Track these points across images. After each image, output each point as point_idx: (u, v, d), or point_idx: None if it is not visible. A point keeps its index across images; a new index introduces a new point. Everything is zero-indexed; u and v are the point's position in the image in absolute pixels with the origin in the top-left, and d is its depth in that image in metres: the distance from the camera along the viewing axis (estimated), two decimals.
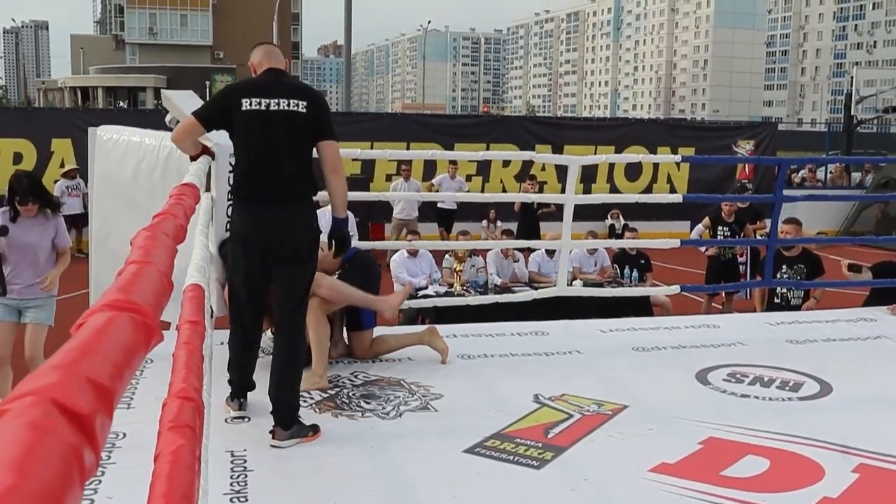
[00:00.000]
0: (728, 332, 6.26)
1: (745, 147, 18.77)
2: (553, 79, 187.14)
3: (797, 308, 7.50)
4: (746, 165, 18.86)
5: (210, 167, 4.70)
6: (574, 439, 4.06)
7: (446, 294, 8.21)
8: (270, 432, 3.94)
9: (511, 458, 3.81)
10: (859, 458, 3.87)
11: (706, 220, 10.16)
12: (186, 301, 2.14)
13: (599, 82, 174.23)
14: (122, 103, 59.77)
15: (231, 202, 4.99)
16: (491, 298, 6.81)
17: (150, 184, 5.32)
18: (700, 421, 4.34)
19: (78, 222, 15.44)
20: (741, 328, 6.45)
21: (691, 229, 12.33)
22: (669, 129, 19.72)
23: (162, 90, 5.41)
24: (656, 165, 17.85)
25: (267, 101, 3.93)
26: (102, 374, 0.73)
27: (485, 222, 14.68)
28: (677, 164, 17.66)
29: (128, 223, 5.47)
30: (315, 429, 4.06)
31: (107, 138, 5.52)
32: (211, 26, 76.66)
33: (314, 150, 4.12)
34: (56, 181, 15.57)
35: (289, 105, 3.95)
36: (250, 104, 3.93)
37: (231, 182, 4.98)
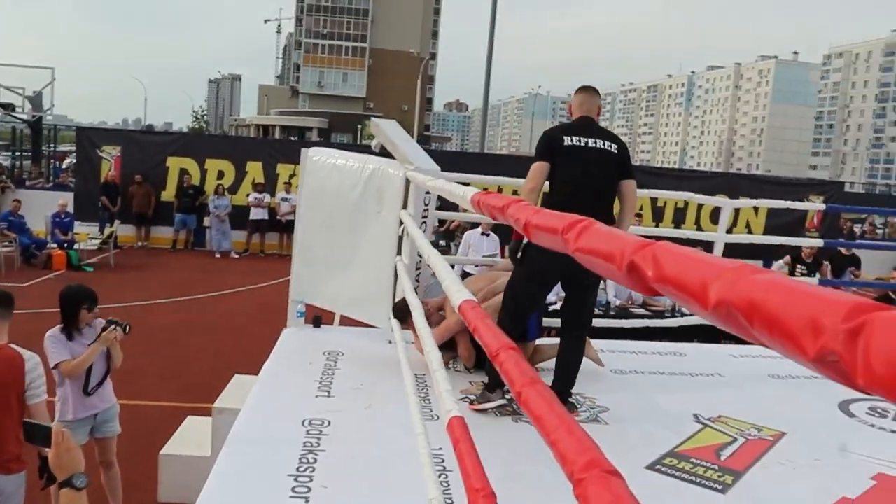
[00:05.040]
0: None
1: (815, 201, 17.47)
2: (632, 138, 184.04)
3: None
4: (815, 216, 17.55)
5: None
6: (747, 464, 3.37)
7: None
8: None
9: (693, 479, 3.16)
10: None
11: (787, 258, 9.28)
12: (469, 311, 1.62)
13: (670, 142, 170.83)
14: (293, 138, 61.48)
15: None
16: (641, 323, 5.99)
17: (350, 199, 4.91)
18: (862, 455, 3.59)
19: (261, 227, 16.02)
20: None
21: (764, 266, 11.37)
22: (750, 182, 18.59)
23: (372, 118, 5.03)
24: (737, 211, 16.72)
25: (585, 139, 3.80)
26: None
27: None
28: (755, 209, 16.57)
29: (328, 232, 5.07)
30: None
31: (316, 159, 5.13)
32: (365, 83, 78.32)
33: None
34: (248, 194, 15.89)
35: (603, 144, 3.82)
36: (571, 140, 3.80)
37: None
